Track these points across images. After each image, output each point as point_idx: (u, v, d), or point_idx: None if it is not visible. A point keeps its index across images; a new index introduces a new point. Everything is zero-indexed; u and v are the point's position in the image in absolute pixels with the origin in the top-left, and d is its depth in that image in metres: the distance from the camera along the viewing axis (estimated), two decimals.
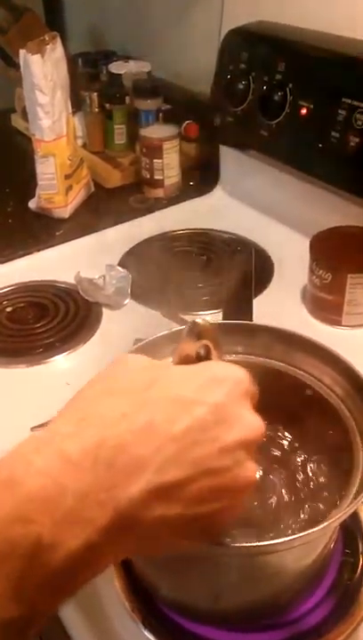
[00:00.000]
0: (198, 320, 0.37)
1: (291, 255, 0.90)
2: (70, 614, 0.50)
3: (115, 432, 0.29)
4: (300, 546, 0.39)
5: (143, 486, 0.29)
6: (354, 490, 0.40)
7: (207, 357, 0.37)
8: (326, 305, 0.78)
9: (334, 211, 0.87)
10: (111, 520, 0.28)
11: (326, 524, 0.38)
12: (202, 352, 0.37)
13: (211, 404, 0.31)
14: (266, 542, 0.39)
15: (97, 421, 0.30)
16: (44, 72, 0.90)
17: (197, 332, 0.37)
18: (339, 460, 0.46)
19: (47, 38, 0.94)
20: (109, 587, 0.51)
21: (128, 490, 0.28)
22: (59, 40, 0.95)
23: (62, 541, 0.27)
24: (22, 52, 0.90)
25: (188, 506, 0.30)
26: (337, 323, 0.77)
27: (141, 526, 0.29)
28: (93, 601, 0.51)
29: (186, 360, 0.36)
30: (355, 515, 0.54)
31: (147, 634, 0.48)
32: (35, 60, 0.89)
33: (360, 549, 0.53)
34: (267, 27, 0.93)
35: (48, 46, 0.92)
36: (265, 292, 0.85)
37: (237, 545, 0.39)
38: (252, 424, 0.33)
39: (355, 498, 0.39)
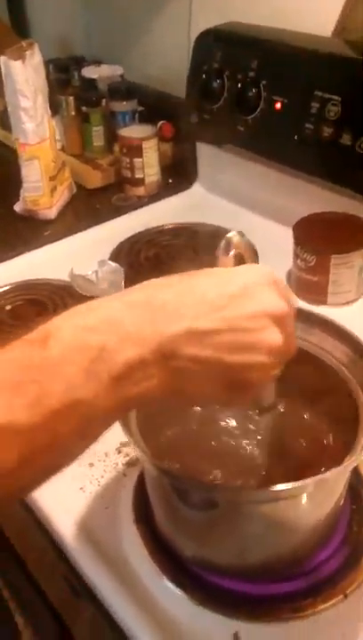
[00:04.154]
0: (230, 234, 0.43)
1: (273, 244, 0.93)
2: (102, 578, 0.54)
3: (162, 293, 0.37)
4: (320, 490, 0.43)
5: (181, 328, 0.36)
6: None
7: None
8: (312, 286, 0.82)
9: (311, 199, 0.91)
10: (157, 347, 0.35)
11: (344, 465, 0.42)
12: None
13: (243, 282, 0.38)
14: (292, 484, 0.42)
15: (149, 289, 0.38)
16: (26, 77, 0.93)
17: (230, 244, 0.43)
18: (344, 420, 0.51)
19: (25, 45, 0.97)
20: (137, 551, 0.55)
21: (170, 329, 0.36)
22: (36, 46, 0.98)
23: (122, 350, 0.34)
24: (3, 58, 0.92)
25: (216, 350, 0.36)
26: (323, 302, 0.82)
27: (179, 360, 0.36)
28: (124, 566, 0.54)
29: None
30: (358, 474, 0.59)
31: (175, 589, 0.51)
32: (16, 65, 0.92)
33: None
34: (237, 27, 0.98)
35: (27, 52, 0.95)
36: None
37: (266, 489, 0.42)
38: (274, 300, 0.39)
39: None
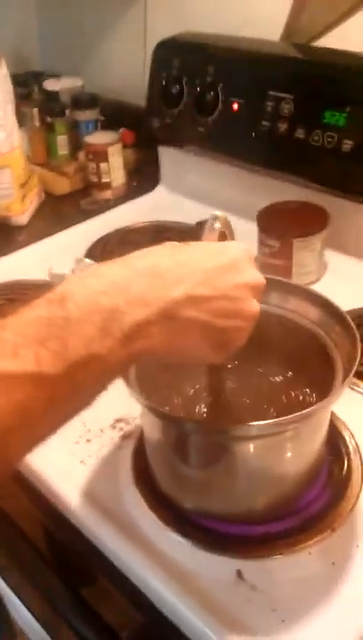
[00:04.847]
0: (216, 212, 0.51)
1: (238, 237, 1.01)
2: (109, 536, 0.58)
3: (164, 261, 0.42)
4: (307, 427, 0.49)
5: (181, 293, 0.41)
6: (339, 380, 0.51)
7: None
8: (277, 270, 0.89)
9: (270, 191, 0.98)
10: (160, 309, 0.40)
11: (329, 397, 0.48)
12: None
13: (230, 256, 0.45)
14: (285, 417, 0.48)
15: (152, 257, 0.43)
16: None
17: (216, 222, 0.50)
18: (322, 376, 0.56)
19: None
20: (140, 508, 0.59)
21: (172, 293, 0.41)
22: (3, 59, 1.02)
23: (130, 312, 0.39)
24: None
25: (212, 316, 0.43)
26: None
27: (178, 321, 0.41)
28: (129, 523, 0.59)
29: None
30: (334, 426, 0.65)
31: (178, 537, 0.56)
32: None
33: (343, 451, 0.63)
34: (192, 36, 1.05)
35: None
36: None
37: (259, 422, 0.48)
38: (255, 275, 0.46)
39: (342, 382, 0.50)
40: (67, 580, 0.67)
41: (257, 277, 0.46)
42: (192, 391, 0.61)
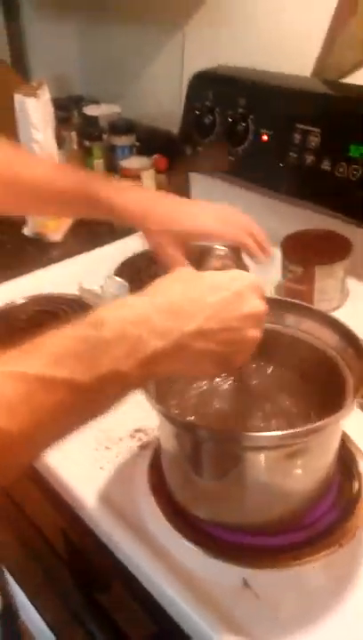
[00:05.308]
0: (219, 246, 0.59)
1: None
2: (120, 537, 0.61)
3: (177, 298, 0.48)
4: (319, 441, 0.51)
5: (194, 328, 0.47)
6: (350, 398, 0.53)
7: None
8: (299, 295, 0.91)
9: (296, 220, 1.01)
10: (174, 342, 0.46)
11: (338, 413, 0.50)
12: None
13: (233, 290, 0.50)
14: (296, 429, 0.51)
15: (168, 293, 0.49)
16: (38, 112, 1.03)
17: (219, 255, 0.58)
18: (336, 396, 0.59)
19: (36, 84, 1.07)
20: (155, 516, 0.62)
21: (185, 328, 0.47)
22: (46, 85, 1.09)
23: (151, 341, 0.45)
24: (18, 95, 1.03)
25: (219, 345, 0.48)
26: None
27: (190, 351, 0.47)
28: (144, 530, 0.61)
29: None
30: (347, 449, 0.67)
31: (189, 545, 0.59)
32: (30, 101, 1.02)
33: (354, 472, 0.65)
34: (226, 69, 1.10)
35: (39, 91, 1.05)
36: None
37: (270, 433, 0.51)
38: (258, 305, 0.51)
39: (352, 400, 0.52)
40: (82, 584, 0.70)
41: (259, 307, 0.51)
42: (210, 405, 0.64)
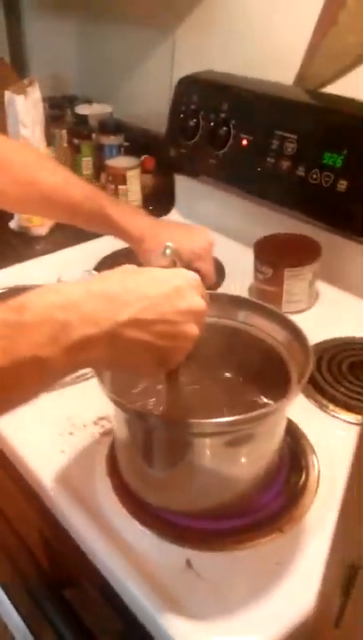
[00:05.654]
0: (169, 244, 0.61)
1: (238, 262, 1.07)
2: (75, 516, 0.64)
3: (115, 286, 0.48)
4: (263, 427, 0.54)
5: (127, 317, 0.47)
6: (295, 383, 0.56)
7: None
8: (269, 296, 0.94)
9: (270, 222, 1.04)
10: (107, 329, 0.46)
11: (281, 400, 0.53)
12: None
13: (174, 284, 0.50)
14: (241, 416, 0.53)
15: (105, 282, 0.49)
16: (26, 109, 1.06)
17: (169, 252, 0.60)
18: (280, 386, 0.62)
19: (27, 82, 1.10)
20: (109, 498, 0.65)
21: (119, 316, 0.47)
22: (37, 84, 1.12)
23: (81, 327, 0.45)
24: (7, 92, 1.06)
25: (154, 337, 0.49)
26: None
27: (123, 340, 0.47)
28: (98, 509, 0.64)
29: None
30: (299, 443, 0.70)
31: (139, 526, 0.61)
32: (18, 99, 1.05)
33: (303, 465, 0.68)
34: (213, 74, 1.13)
35: (29, 88, 1.08)
36: (220, 290, 1.02)
37: (216, 419, 0.53)
38: (197, 301, 0.51)
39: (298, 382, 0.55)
40: (51, 579, 0.73)
41: (198, 303, 0.51)
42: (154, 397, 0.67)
